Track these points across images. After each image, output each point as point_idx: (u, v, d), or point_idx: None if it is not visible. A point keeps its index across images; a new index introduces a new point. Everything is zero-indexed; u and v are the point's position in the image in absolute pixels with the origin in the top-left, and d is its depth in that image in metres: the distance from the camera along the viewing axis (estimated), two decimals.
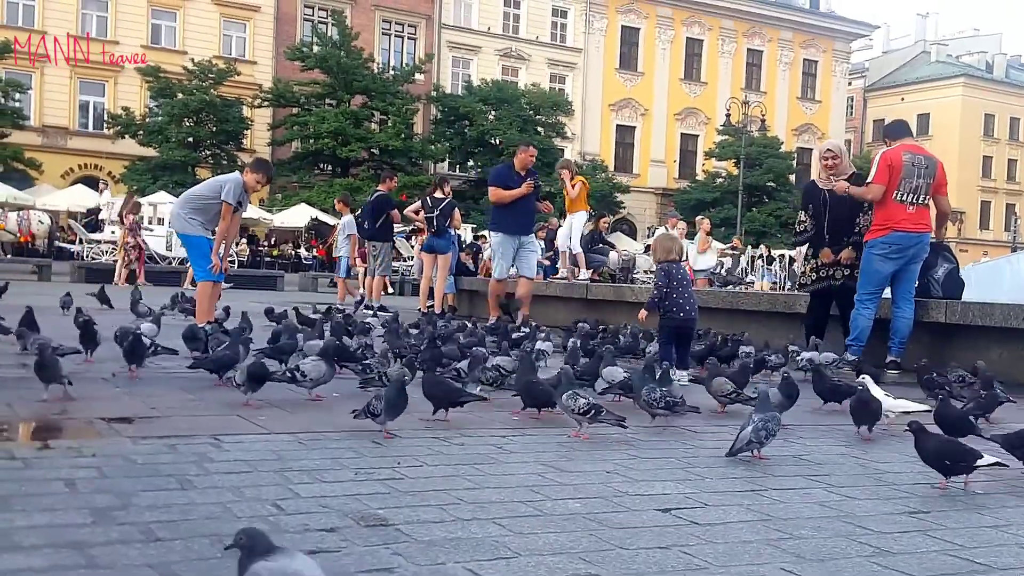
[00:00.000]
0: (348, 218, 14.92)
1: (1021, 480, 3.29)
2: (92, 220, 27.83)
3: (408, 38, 42.88)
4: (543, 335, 6.71)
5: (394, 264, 18.85)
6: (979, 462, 3.09)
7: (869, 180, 6.88)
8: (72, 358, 4.76)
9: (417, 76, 38.17)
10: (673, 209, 30.66)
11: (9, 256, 24.98)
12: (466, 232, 25.30)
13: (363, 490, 2.69)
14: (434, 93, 40.01)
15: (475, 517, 2.46)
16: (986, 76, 61.69)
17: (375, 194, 12.73)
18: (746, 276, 27.49)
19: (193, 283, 10.49)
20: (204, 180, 9.82)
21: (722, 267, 21.67)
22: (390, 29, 42.47)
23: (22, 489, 2.51)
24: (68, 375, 4.00)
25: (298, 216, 31.66)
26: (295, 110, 36.41)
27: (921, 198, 6.78)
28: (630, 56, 47.38)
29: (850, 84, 57.96)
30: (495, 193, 9.84)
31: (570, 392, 3.76)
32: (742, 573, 2.14)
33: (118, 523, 2.24)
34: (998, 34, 68.44)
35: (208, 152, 34.84)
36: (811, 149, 51.16)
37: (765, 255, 30.62)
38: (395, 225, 13.11)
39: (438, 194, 11.56)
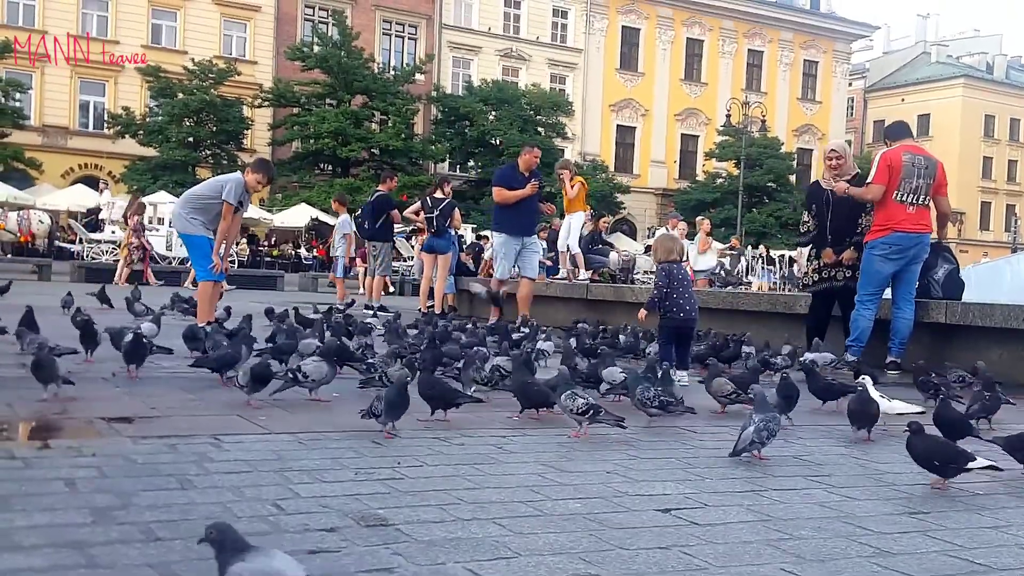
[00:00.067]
0: (344, 217, 14.91)
1: (1021, 481, 3.29)
2: (92, 220, 27.83)
3: (408, 38, 42.89)
4: (543, 335, 6.71)
5: (394, 264, 18.84)
6: (971, 464, 3.07)
7: (869, 180, 6.89)
8: (71, 358, 4.76)
9: (417, 76, 38.17)
10: (673, 210, 30.67)
11: (9, 256, 24.98)
12: (467, 232, 25.31)
13: (363, 490, 2.69)
14: (434, 93, 40.02)
15: (475, 517, 2.46)
16: (986, 77, 61.71)
17: (375, 194, 12.72)
18: (745, 277, 27.49)
19: (194, 283, 10.49)
20: (204, 180, 9.82)
21: (722, 268, 21.66)
22: (390, 29, 42.47)
23: (22, 489, 2.51)
24: (68, 375, 4.00)
25: (298, 216, 31.66)
26: (295, 110, 36.41)
27: (921, 199, 6.78)
28: (630, 56, 47.38)
29: (850, 85, 57.97)
30: (499, 193, 9.84)
31: (569, 392, 3.77)
32: (742, 573, 2.14)
33: (118, 523, 2.24)
34: (998, 35, 68.51)
35: (208, 152, 34.84)
36: (811, 150, 51.22)
37: (764, 255, 30.63)
38: (395, 225, 13.11)
39: (438, 194, 11.56)
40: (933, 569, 2.24)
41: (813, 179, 26.44)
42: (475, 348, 5.44)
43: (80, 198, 30.59)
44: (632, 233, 42.75)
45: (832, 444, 3.95)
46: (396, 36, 42.65)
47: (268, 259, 31.73)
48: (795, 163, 47.48)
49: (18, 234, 27.04)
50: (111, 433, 3.37)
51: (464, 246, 19.10)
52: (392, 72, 38.22)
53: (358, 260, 17.88)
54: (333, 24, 37.34)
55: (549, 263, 14.48)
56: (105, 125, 35.37)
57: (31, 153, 33.53)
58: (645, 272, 22.69)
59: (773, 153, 44.01)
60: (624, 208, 42.96)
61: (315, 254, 30.48)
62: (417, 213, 11.94)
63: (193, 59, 35.01)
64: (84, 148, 36.47)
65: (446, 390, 3.97)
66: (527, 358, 4.98)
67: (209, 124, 34.67)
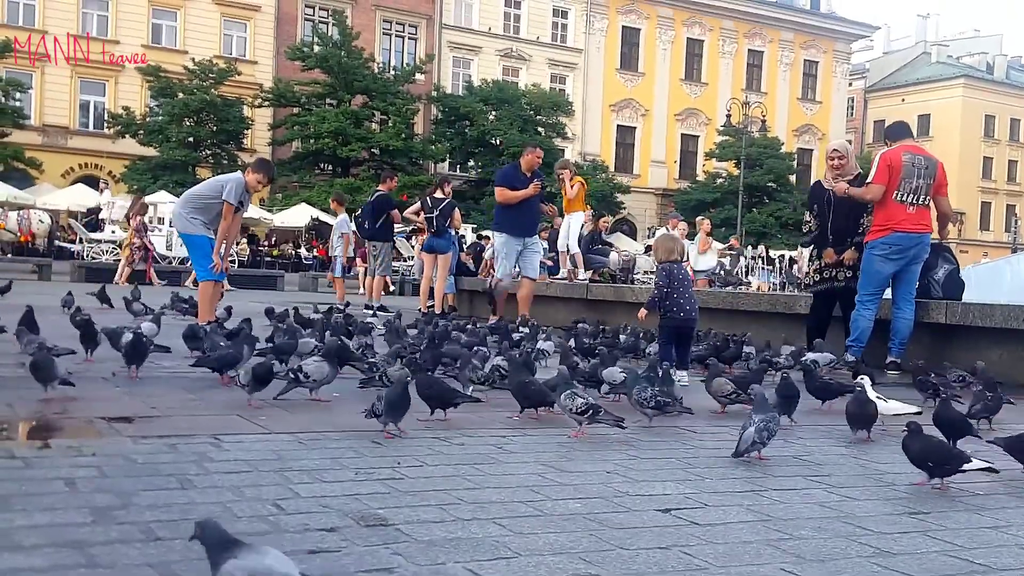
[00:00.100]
0: (342, 217, 14.90)
1: (1021, 481, 3.29)
2: (92, 220, 27.85)
3: (409, 38, 42.89)
4: (543, 335, 6.71)
5: (394, 264, 18.84)
6: (965, 466, 3.05)
7: (869, 180, 6.89)
8: (71, 357, 4.76)
9: (418, 76, 38.17)
10: (674, 210, 30.65)
11: (9, 255, 24.98)
12: (468, 232, 25.30)
13: (363, 490, 2.69)
14: (435, 93, 40.03)
15: (475, 517, 2.46)
16: (987, 77, 61.72)
17: (375, 194, 12.73)
18: (746, 277, 27.50)
19: (195, 283, 10.50)
20: (204, 180, 9.82)
21: (722, 268, 21.66)
22: (391, 29, 42.48)
23: (22, 488, 2.51)
24: (68, 376, 4.00)
25: (298, 216, 31.68)
26: (295, 110, 36.43)
27: (921, 199, 6.78)
28: (631, 56, 47.38)
29: (851, 85, 57.97)
30: (502, 193, 9.84)
31: (568, 392, 3.77)
32: (742, 573, 2.14)
33: (118, 522, 2.24)
34: (999, 35, 68.52)
35: (208, 152, 34.85)
36: (811, 150, 51.23)
37: (764, 256, 30.64)
38: (395, 225, 13.11)
39: (438, 194, 11.56)
40: (933, 569, 2.24)
41: (814, 179, 26.51)
42: (475, 348, 5.44)
43: (80, 198, 30.61)
44: (632, 233, 42.76)
45: (832, 444, 3.95)
46: (396, 36, 42.66)
47: (268, 259, 31.74)
48: (795, 163, 47.49)
49: (18, 234, 27.05)
50: (111, 433, 3.37)
51: (465, 246, 19.10)
52: (392, 72, 38.23)
53: (358, 260, 17.88)
54: (333, 24, 37.35)
55: (550, 263, 14.48)
56: (105, 125, 35.39)
57: (31, 153, 33.54)
58: (645, 272, 22.70)
59: (773, 153, 44.01)
60: (624, 208, 42.96)
61: (315, 254, 30.49)
62: (417, 213, 11.95)
63: (193, 59, 35.02)
64: (84, 148, 36.49)
65: (444, 390, 3.97)
66: (527, 358, 4.99)
67: (209, 124, 34.68)
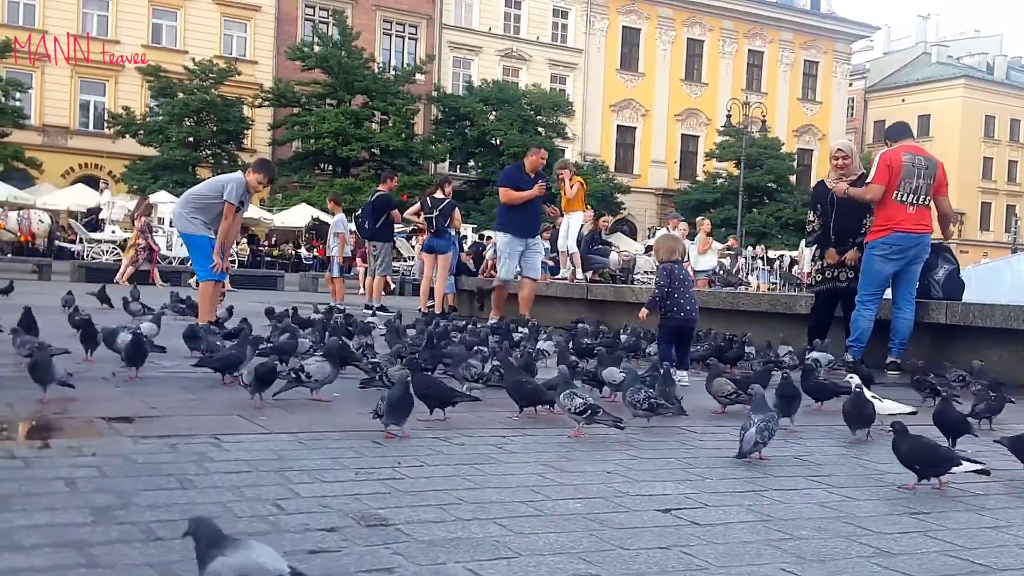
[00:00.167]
0: (338, 217, 14.90)
1: (1021, 481, 3.29)
2: (92, 219, 27.84)
3: (409, 38, 42.89)
4: (544, 335, 6.71)
5: (394, 264, 18.84)
6: (955, 468, 3.02)
7: (869, 180, 6.89)
8: (71, 357, 4.76)
9: (418, 76, 38.17)
10: (674, 210, 30.65)
11: (9, 255, 24.97)
12: (469, 232, 25.30)
13: (363, 490, 2.69)
14: (435, 93, 40.02)
15: (475, 517, 2.46)
16: (987, 77, 61.71)
17: (376, 194, 12.73)
18: (745, 277, 27.51)
19: (196, 283, 10.50)
20: (205, 180, 9.82)
21: (722, 268, 21.66)
22: (391, 29, 42.47)
23: (22, 488, 2.51)
24: (68, 377, 3.99)
25: (298, 216, 31.68)
26: (296, 110, 36.42)
27: (921, 199, 6.78)
28: (631, 57, 47.38)
29: (851, 85, 57.96)
30: (506, 194, 9.84)
31: (567, 392, 3.76)
32: (742, 573, 2.14)
33: (118, 522, 2.24)
34: (999, 35, 68.51)
35: (209, 152, 34.85)
36: (812, 150, 51.25)
37: (764, 256, 30.64)
38: (395, 225, 13.12)
39: (438, 194, 11.57)
40: (933, 569, 2.24)
41: (816, 179, 26.45)
42: (475, 348, 5.44)
43: (80, 198, 30.60)
44: (632, 233, 42.76)
45: (832, 444, 3.95)
46: (396, 36, 42.65)
47: (268, 259, 31.75)
48: (795, 163, 47.49)
49: (18, 234, 27.04)
50: (111, 433, 3.37)
51: (466, 246, 19.10)
52: (392, 72, 38.23)
53: (358, 260, 17.87)
54: (333, 24, 37.35)
55: (551, 263, 14.49)
56: (105, 125, 35.38)
57: (31, 153, 33.53)
58: (645, 272, 22.69)
59: (773, 153, 44.02)
60: (624, 208, 42.95)
61: (315, 254, 30.49)
62: (417, 214, 11.95)
63: (193, 59, 35.01)
64: (84, 148, 36.48)
65: (442, 389, 3.97)
66: (528, 359, 4.99)
67: (209, 124, 34.67)
